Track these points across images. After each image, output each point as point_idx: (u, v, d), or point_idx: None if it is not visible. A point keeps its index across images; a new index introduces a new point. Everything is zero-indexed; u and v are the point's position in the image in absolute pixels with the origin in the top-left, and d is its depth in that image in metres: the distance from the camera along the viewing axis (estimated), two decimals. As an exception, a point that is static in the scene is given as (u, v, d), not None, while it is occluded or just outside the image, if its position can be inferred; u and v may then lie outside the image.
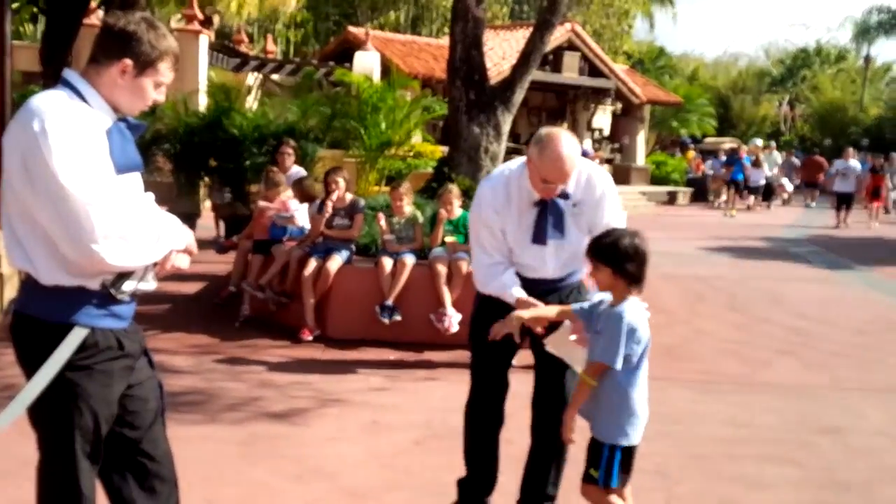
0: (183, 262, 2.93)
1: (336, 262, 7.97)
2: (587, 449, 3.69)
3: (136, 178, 2.90)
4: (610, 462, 3.59)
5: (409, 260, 7.83)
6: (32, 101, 2.71)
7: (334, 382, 6.64)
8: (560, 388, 4.07)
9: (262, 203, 9.02)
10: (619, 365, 3.50)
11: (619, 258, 3.53)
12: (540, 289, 4.06)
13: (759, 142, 32.28)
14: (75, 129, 2.65)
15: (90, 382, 2.80)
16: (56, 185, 2.59)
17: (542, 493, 4.23)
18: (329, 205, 8.19)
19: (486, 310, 4.11)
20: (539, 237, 3.99)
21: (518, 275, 4.06)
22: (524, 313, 3.83)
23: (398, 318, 7.68)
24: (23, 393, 2.74)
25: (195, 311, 8.64)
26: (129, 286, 2.83)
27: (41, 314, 2.77)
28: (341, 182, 8.29)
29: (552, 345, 3.98)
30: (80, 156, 2.63)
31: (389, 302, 7.70)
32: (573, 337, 3.82)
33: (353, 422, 5.79)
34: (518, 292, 3.97)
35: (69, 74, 2.83)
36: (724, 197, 26.60)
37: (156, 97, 2.92)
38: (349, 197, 8.42)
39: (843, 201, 22.62)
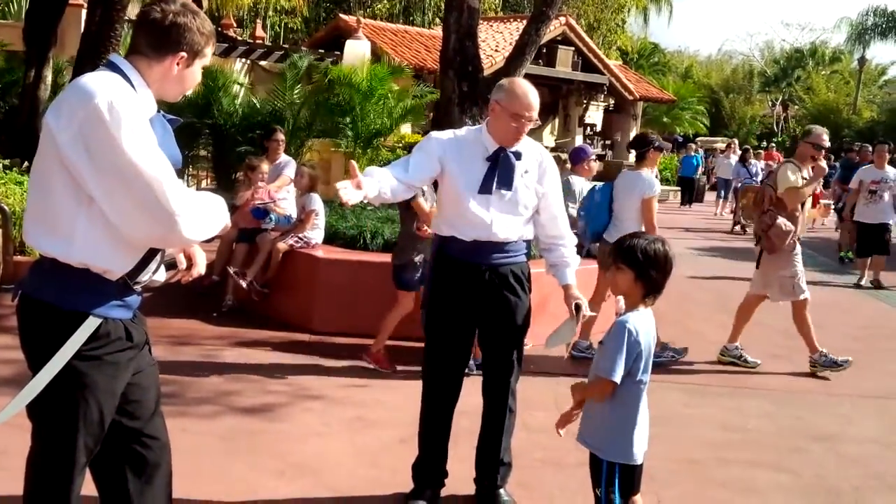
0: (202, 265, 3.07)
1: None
2: (590, 468, 3.58)
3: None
4: (610, 480, 3.45)
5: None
6: (84, 79, 2.65)
7: (318, 377, 6.52)
8: (508, 354, 4.29)
9: (243, 194, 8.91)
10: (617, 378, 3.35)
11: (646, 262, 3.40)
12: (483, 253, 4.17)
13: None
14: (136, 109, 2.62)
15: (98, 373, 2.73)
16: (127, 161, 2.54)
17: (498, 461, 4.39)
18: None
19: (442, 283, 4.28)
20: (486, 186, 4.13)
21: (461, 240, 4.17)
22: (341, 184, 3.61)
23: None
24: (30, 384, 2.65)
25: (176, 299, 8.41)
26: (144, 277, 2.80)
27: (53, 300, 2.68)
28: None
29: (551, 343, 4.06)
30: (144, 134, 2.60)
31: None
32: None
33: (336, 417, 5.69)
34: (371, 189, 3.77)
35: (118, 60, 2.79)
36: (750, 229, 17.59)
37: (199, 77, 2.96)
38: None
39: (877, 237, 12.91)
